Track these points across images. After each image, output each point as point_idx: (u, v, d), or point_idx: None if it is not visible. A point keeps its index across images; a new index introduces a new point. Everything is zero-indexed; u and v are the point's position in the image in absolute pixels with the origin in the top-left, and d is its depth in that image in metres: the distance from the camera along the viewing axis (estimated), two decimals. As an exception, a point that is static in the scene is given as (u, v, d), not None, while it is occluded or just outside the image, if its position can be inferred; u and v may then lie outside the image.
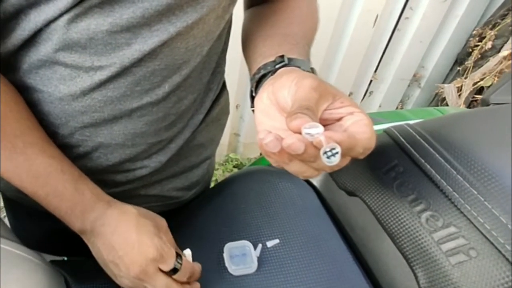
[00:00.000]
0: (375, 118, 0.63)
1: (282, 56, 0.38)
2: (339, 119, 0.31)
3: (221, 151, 1.70)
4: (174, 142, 0.49)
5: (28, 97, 0.40)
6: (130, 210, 0.41)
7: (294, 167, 0.29)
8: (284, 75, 0.34)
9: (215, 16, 0.40)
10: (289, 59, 0.38)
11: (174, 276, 0.40)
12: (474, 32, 1.58)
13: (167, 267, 0.40)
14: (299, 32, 0.44)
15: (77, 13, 0.33)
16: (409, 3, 1.54)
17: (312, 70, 0.38)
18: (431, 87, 1.81)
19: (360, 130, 0.30)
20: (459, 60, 1.68)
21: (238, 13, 0.51)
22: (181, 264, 0.41)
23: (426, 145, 0.44)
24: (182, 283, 0.42)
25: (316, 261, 0.48)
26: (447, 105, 1.58)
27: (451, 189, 0.40)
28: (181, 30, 0.37)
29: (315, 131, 0.26)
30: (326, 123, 0.31)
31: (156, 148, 0.48)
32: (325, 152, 0.26)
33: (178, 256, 0.41)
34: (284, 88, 0.32)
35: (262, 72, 0.38)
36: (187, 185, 0.57)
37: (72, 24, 0.34)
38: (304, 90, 0.30)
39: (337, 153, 0.26)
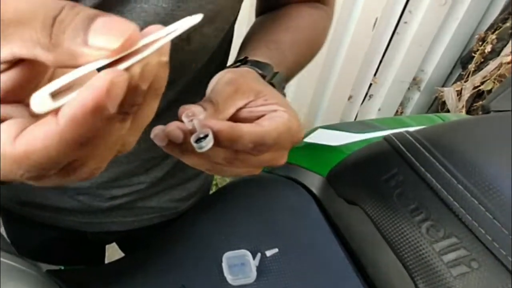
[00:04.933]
0: (375, 124, 0.63)
1: (244, 58, 0.36)
2: (261, 118, 0.29)
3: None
4: (170, 157, 0.49)
5: None
6: None
7: (190, 160, 0.27)
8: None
9: (214, 28, 0.39)
10: (248, 61, 0.35)
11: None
12: (477, 36, 1.58)
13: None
14: (288, 39, 0.42)
15: None
16: (408, 6, 1.54)
17: (274, 75, 0.35)
18: (431, 90, 1.81)
19: (258, 123, 0.27)
20: (462, 64, 1.67)
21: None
22: None
23: (426, 153, 0.43)
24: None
25: (315, 270, 0.48)
26: (448, 109, 1.58)
27: (451, 199, 0.39)
28: (174, 44, 0.36)
29: (196, 118, 0.25)
30: (246, 122, 0.28)
31: (152, 164, 0.48)
32: (198, 139, 0.24)
33: None
34: (210, 84, 0.31)
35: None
36: (185, 196, 0.57)
37: None
38: (219, 84, 0.29)
39: (207, 137, 0.24)
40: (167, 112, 0.42)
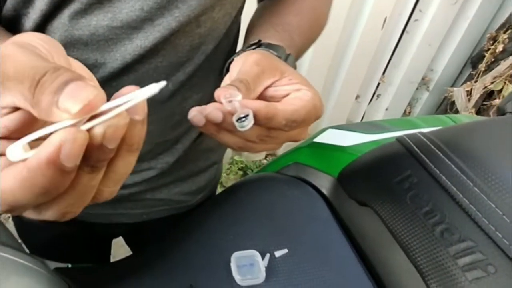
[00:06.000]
0: (384, 125, 0.62)
1: (259, 41, 0.38)
2: (286, 96, 0.31)
3: (226, 154, 1.69)
4: (181, 142, 0.49)
5: None
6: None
7: (225, 138, 0.29)
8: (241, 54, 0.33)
9: (224, 13, 0.40)
10: (262, 44, 0.37)
11: None
12: (488, 35, 1.55)
13: None
14: (293, 22, 0.43)
15: (77, 10, 0.33)
16: (418, 5, 1.52)
17: (287, 56, 0.37)
18: (440, 90, 1.79)
19: (288, 102, 0.29)
20: (473, 63, 1.65)
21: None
22: None
23: (441, 155, 0.43)
24: None
25: (325, 272, 0.47)
26: (457, 109, 1.56)
27: (467, 202, 0.38)
28: (183, 25, 0.36)
29: (234, 99, 0.27)
30: (272, 100, 0.31)
31: (162, 149, 0.48)
32: (239, 119, 0.26)
33: None
34: (236, 65, 0.32)
35: (234, 57, 0.37)
36: (194, 190, 0.57)
37: (74, 21, 0.34)
38: (247, 64, 0.30)
39: (247, 117, 0.26)
40: (177, 93, 0.42)
